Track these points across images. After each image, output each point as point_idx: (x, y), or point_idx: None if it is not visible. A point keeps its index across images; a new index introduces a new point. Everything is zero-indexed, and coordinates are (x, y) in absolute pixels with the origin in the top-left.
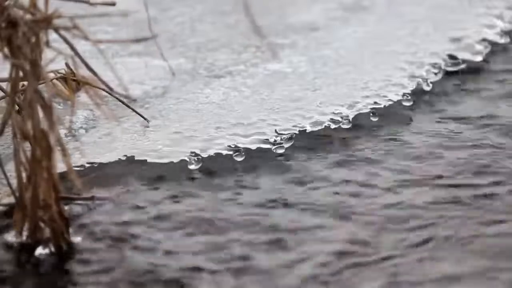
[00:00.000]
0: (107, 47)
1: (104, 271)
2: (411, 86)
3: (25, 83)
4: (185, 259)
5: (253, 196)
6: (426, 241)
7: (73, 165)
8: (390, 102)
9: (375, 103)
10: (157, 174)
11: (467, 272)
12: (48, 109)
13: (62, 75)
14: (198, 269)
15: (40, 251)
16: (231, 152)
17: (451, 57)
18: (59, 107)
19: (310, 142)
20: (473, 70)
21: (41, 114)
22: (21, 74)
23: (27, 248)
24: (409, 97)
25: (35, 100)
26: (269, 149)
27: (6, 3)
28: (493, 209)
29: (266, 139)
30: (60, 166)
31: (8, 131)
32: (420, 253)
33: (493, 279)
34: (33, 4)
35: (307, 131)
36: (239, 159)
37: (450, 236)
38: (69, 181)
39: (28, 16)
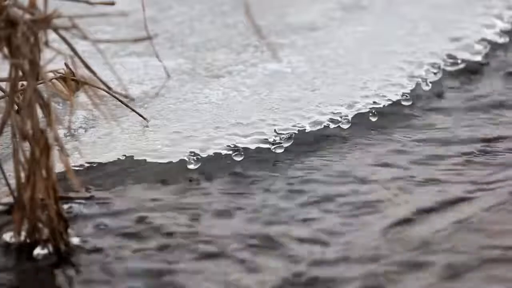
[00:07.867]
0: (106, 47)
1: (103, 272)
2: (410, 86)
3: (24, 83)
4: (185, 258)
5: (252, 196)
6: None
7: (72, 165)
8: (389, 102)
9: (374, 103)
10: (156, 174)
11: None
12: (47, 109)
13: (61, 75)
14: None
15: (38, 251)
16: (230, 152)
17: (450, 57)
18: (58, 107)
19: (309, 142)
20: (472, 70)
21: (40, 114)
22: (20, 74)
23: (25, 248)
24: (408, 97)
25: (34, 100)
26: (268, 149)
27: (5, 2)
28: None
29: (265, 139)
30: (59, 166)
31: (7, 131)
32: None
33: None
34: (32, 4)
35: (306, 131)
36: (238, 159)
37: None
38: (68, 181)
39: (27, 16)
